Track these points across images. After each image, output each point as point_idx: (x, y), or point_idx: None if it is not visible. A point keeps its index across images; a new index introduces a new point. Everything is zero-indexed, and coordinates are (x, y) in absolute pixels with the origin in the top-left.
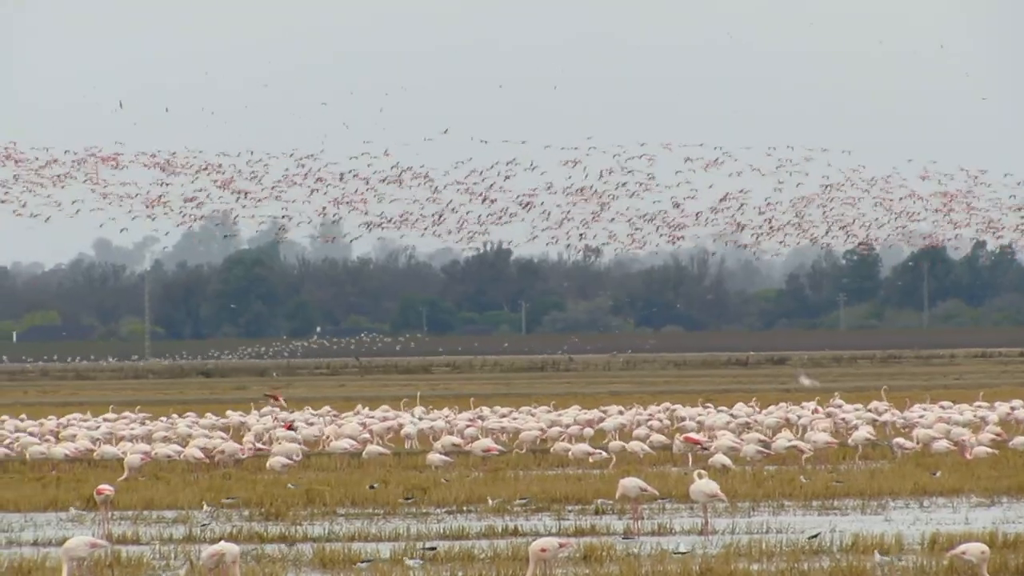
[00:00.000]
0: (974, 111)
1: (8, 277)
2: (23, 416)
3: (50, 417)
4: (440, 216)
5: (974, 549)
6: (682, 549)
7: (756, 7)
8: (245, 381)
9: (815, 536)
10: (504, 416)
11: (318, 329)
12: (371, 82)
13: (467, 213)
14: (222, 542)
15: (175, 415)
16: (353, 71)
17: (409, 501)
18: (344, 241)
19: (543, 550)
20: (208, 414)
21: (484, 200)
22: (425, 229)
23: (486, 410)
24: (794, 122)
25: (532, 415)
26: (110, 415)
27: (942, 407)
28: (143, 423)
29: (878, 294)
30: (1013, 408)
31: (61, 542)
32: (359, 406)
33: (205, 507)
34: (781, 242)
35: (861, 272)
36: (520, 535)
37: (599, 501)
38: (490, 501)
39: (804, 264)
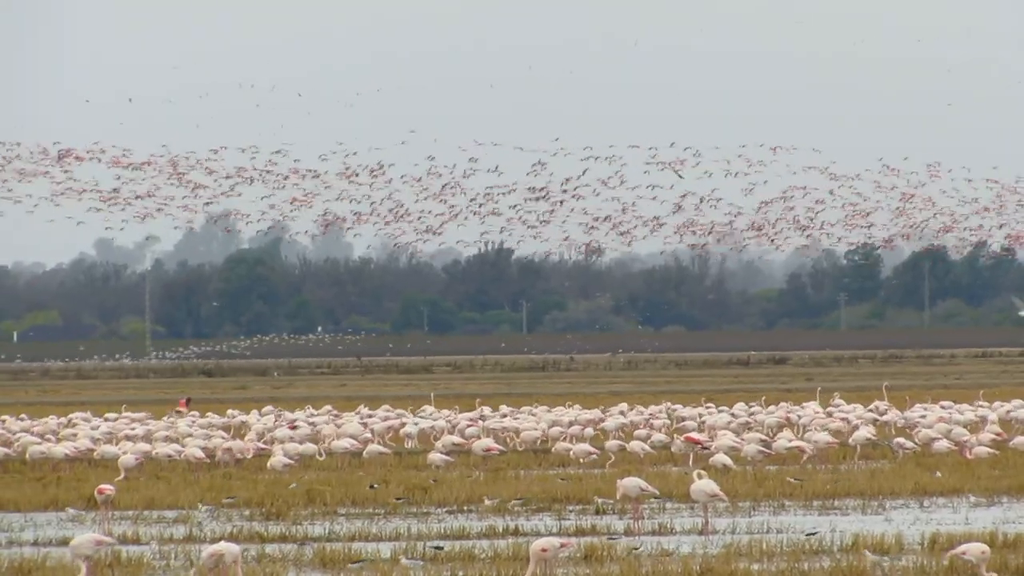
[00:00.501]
0: (946, 113)
1: (9, 276)
2: (23, 416)
3: (51, 416)
4: (394, 214)
5: (974, 549)
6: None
7: (737, 9)
8: (246, 380)
9: (814, 533)
10: (505, 416)
11: (319, 328)
12: (355, 84)
13: (420, 212)
14: (222, 542)
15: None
16: (337, 73)
17: (400, 501)
18: (344, 236)
19: (544, 550)
20: (209, 413)
21: (438, 197)
22: (378, 228)
23: (487, 410)
24: (766, 124)
25: (533, 415)
26: (111, 415)
27: (943, 407)
28: (144, 423)
29: (879, 294)
30: (1010, 411)
31: (61, 542)
32: (361, 406)
33: (201, 507)
34: (740, 247)
35: (862, 272)
36: (521, 535)
37: (600, 500)
38: (486, 501)
39: (805, 264)
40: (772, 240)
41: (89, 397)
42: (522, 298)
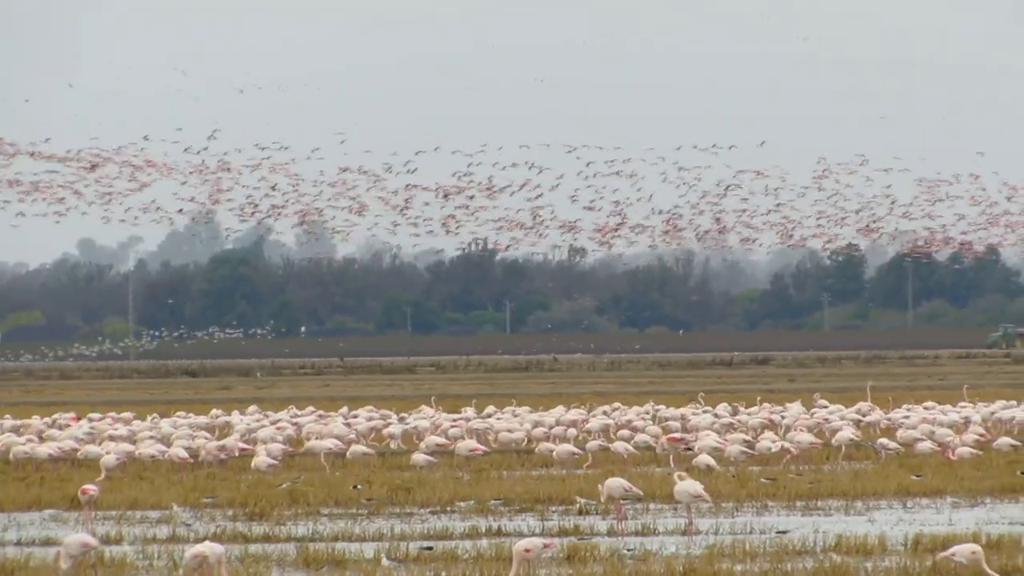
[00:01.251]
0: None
1: None
2: (7, 416)
3: (34, 416)
4: (303, 213)
5: (964, 550)
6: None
7: (718, 10)
8: (230, 381)
9: (784, 532)
10: (489, 416)
11: (303, 329)
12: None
13: (334, 210)
14: (206, 542)
15: (157, 415)
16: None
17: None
18: (328, 238)
19: (527, 550)
20: (190, 414)
21: (347, 195)
22: (293, 225)
23: (470, 411)
24: (704, 123)
25: (516, 415)
26: (95, 415)
27: (926, 408)
28: (127, 423)
29: (862, 295)
30: (994, 411)
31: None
32: (344, 407)
33: (175, 507)
34: (650, 244)
35: (846, 272)
36: (504, 535)
37: (583, 501)
38: (461, 505)
39: (788, 264)
40: (679, 242)
41: (72, 397)
42: (506, 298)
